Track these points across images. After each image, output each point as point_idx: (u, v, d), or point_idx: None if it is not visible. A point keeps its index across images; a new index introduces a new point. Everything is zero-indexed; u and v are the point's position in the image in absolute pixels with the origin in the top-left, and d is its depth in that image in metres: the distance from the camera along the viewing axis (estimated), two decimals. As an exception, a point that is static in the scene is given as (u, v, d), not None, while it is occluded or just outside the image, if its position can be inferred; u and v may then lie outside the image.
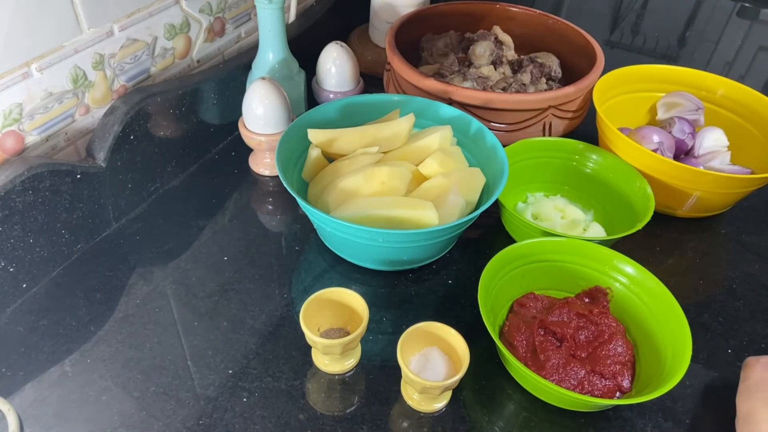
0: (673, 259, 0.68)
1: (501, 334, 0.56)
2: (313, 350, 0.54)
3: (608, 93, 0.77)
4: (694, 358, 0.56)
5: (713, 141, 0.74)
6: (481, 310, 0.50)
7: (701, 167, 0.70)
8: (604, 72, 0.76)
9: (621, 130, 0.77)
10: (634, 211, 0.65)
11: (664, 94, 0.80)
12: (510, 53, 0.86)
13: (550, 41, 0.88)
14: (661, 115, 0.79)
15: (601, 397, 0.50)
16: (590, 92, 0.75)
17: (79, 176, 0.60)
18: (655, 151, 0.70)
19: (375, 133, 0.66)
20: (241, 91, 0.77)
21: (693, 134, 0.75)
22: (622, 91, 0.79)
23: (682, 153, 0.76)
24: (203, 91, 0.73)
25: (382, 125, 0.66)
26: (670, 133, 0.74)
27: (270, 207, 0.72)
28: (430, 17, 0.89)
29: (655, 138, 0.71)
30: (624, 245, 0.64)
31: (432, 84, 0.72)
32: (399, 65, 0.76)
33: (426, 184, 0.62)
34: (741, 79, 0.88)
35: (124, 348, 0.54)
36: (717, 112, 0.78)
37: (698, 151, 0.74)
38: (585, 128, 0.80)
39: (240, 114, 0.72)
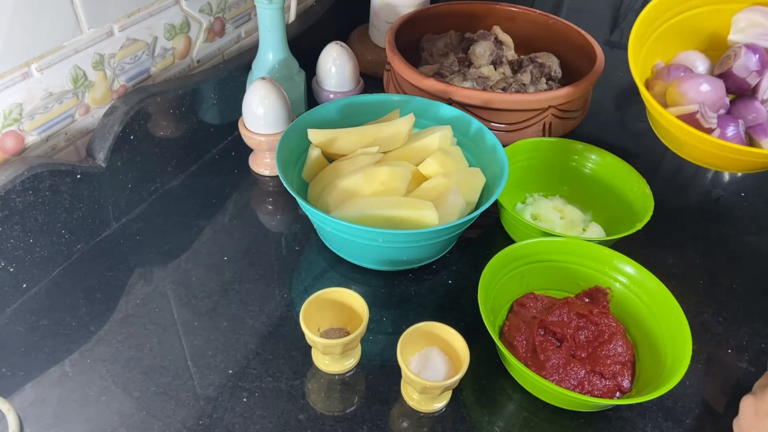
0: (673, 259, 0.68)
1: (501, 334, 0.56)
2: (313, 350, 0.54)
3: (661, 18, 0.63)
4: (694, 358, 0.55)
5: None
6: (481, 310, 0.50)
7: (764, 115, 0.59)
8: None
9: (659, 66, 0.65)
10: (633, 211, 0.65)
11: (741, 9, 0.63)
12: (510, 53, 0.86)
13: (550, 41, 0.88)
14: (733, 35, 0.63)
15: (601, 397, 0.50)
16: (590, 92, 0.75)
17: (79, 176, 0.60)
18: (694, 114, 0.58)
19: (375, 133, 0.66)
20: (241, 91, 0.77)
21: (760, 71, 0.60)
22: (685, 8, 0.64)
23: (743, 91, 0.63)
24: (203, 91, 0.73)
25: (382, 125, 0.66)
26: (729, 69, 0.60)
27: (270, 207, 0.72)
28: (430, 17, 0.89)
29: (701, 89, 0.58)
30: (624, 245, 0.64)
31: (432, 84, 0.72)
32: (399, 65, 0.76)
33: (426, 184, 0.62)
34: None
35: (124, 348, 0.54)
36: None
37: (764, 93, 0.61)
38: (585, 128, 0.80)
39: (240, 114, 0.72)
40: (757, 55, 0.60)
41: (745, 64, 0.60)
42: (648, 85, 0.66)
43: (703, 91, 0.59)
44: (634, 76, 0.61)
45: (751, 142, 0.61)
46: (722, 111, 0.62)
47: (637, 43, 0.63)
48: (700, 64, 0.65)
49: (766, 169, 0.60)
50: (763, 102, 0.61)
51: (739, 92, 0.62)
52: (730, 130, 0.60)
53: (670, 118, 0.57)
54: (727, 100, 0.63)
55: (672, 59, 0.67)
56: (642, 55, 0.64)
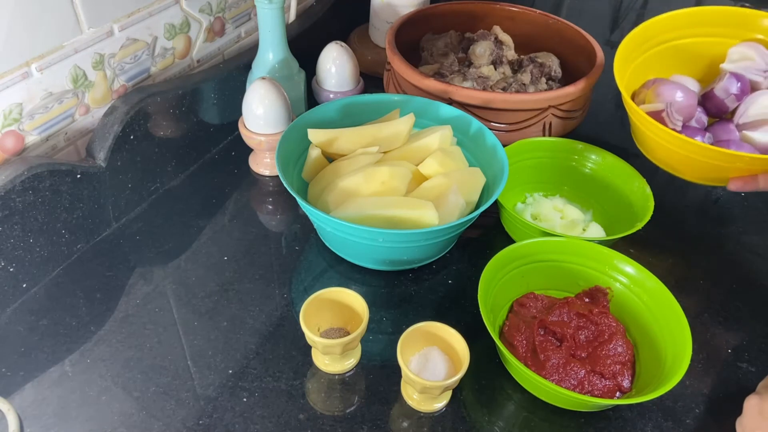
0: (673, 259, 0.68)
1: (501, 334, 0.56)
2: (313, 350, 0.54)
3: (656, 38, 0.67)
4: (694, 358, 0.56)
5: (762, 108, 0.62)
6: (481, 310, 0.50)
7: (735, 135, 0.62)
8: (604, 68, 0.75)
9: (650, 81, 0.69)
10: (633, 211, 0.65)
11: (739, 42, 0.67)
12: (510, 53, 0.86)
13: (550, 41, 0.88)
14: (725, 64, 0.67)
15: (601, 397, 0.50)
16: (590, 92, 0.75)
17: (79, 176, 0.60)
18: (661, 112, 0.63)
19: (375, 133, 0.66)
20: (241, 91, 0.77)
21: (739, 97, 0.64)
22: (681, 35, 0.68)
23: (721, 114, 0.66)
24: (203, 91, 0.73)
25: (382, 125, 0.66)
26: (711, 90, 0.65)
27: (270, 207, 0.72)
28: (430, 17, 0.89)
29: (674, 92, 0.63)
30: (624, 245, 0.64)
31: (432, 84, 0.72)
32: (399, 65, 0.76)
33: (426, 184, 0.62)
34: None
35: (124, 348, 0.54)
36: None
37: (739, 118, 0.64)
38: (585, 128, 0.80)
39: (240, 114, 0.72)
40: (740, 83, 0.64)
41: (725, 87, 0.64)
42: (634, 95, 0.69)
43: (675, 95, 0.63)
44: (615, 74, 0.64)
45: None
46: (694, 124, 0.66)
47: (631, 48, 0.66)
48: (693, 87, 0.68)
49: (718, 184, 0.62)
50: (737, 126, 0.63)
51: (719, 115, 0.65)
52: (696, 138, 0.63)
53: (638, 111, 0.60)
54: (705, 119, 0.67)
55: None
56: (632, 67, 0.67)
